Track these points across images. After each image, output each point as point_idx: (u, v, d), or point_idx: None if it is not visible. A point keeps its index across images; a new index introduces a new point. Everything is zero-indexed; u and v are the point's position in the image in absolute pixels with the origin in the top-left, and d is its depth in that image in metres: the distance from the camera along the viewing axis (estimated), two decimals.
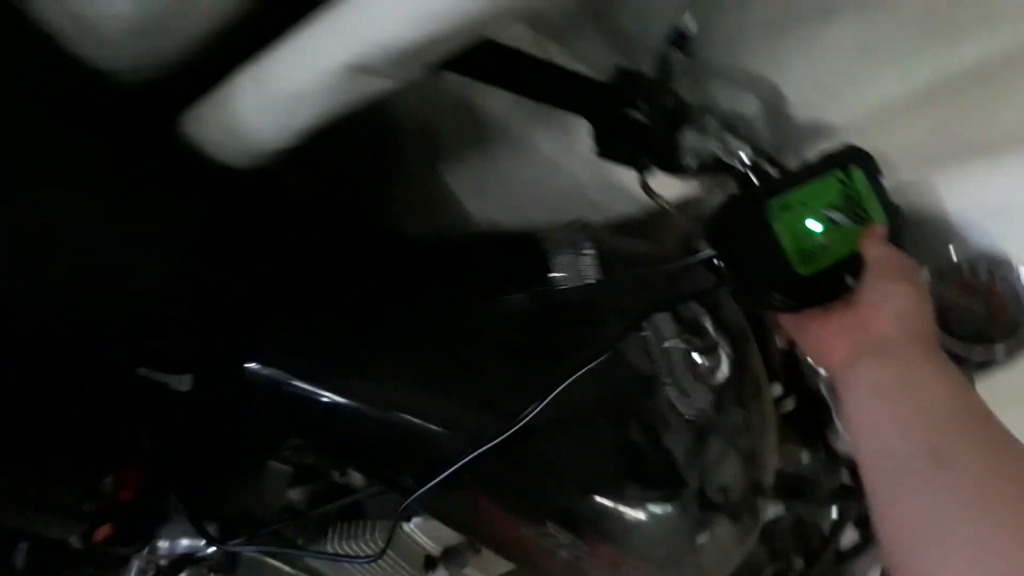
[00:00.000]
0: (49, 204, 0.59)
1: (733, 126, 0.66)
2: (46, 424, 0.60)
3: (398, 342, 0.67)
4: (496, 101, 0.86)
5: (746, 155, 0.64)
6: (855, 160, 0.60)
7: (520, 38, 0.69)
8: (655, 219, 0.87)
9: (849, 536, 0.91)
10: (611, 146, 0.65)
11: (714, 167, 0.65)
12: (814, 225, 0.57)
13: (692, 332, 0.66)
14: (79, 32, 0.61)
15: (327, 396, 0.64)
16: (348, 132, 0.95)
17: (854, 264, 0.56)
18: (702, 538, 0.62)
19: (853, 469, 0.80)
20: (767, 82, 0.68)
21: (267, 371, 0.64)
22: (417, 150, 0.98)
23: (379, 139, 0.99)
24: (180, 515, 0.78)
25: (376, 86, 0.52)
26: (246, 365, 0.64)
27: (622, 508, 0.60)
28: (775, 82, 0.68)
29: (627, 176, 0.69)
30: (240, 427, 0.68)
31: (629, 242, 0.75)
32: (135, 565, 0.79)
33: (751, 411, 0.66)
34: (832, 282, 0.57)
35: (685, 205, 0.81)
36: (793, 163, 0.70)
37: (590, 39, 0.74)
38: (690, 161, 0.64)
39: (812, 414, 0.75)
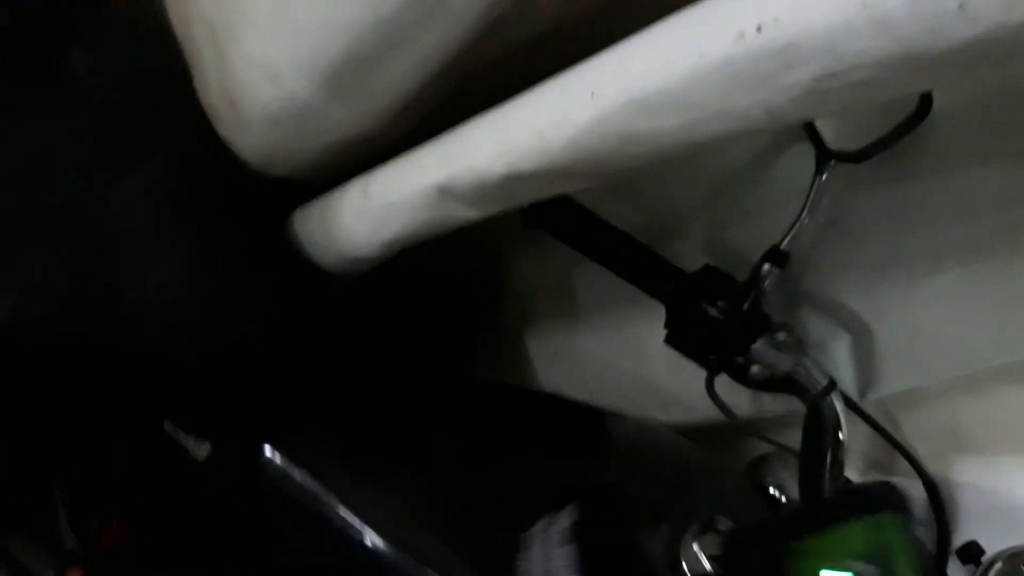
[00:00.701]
0: (162, 253, 0.63)
1: (810, 352, 0.63)
2: (61, 448, 0.61)
3: (422, 475, 0.66)
4: (594, 278, 0.88)
5: (819, 379, 0.61)
6: (888, 504, 0.53)
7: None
8: (723, 435, 0.83)
9: None
10: (681, 336, 0.64)
11: (781, 384, 0.62)
12: None
13: None
14: (230, 115, 0.67)
15: (331, 504, 0.62)
16: (459, 276, 1.00)
17: None
18: None
19: None
20: (859, 319, 0.66)
21: (282, 458, 0.64)
22: (511, 308, 1.00)
23: (482, 290, 1.02)
24: None
25: (459, 212, 0.54)
26: (263, 444, 0.64)
27: None
28: (868, 322, 0.66)
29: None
30: (240, 513, 0.66)
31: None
32: None
33: None
34: None
35: (755, 423, 0.77)
36: (869, 404, 0.67)
37: (689, 240, 0.76)
38: (757, 372, 0.62)
39: None
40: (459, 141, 0.51)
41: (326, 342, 0.75)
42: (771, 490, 0.76)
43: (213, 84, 0.67)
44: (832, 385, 0.61)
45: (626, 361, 0.86)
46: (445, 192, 0.52)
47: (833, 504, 0.55)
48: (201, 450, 0.66)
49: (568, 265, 0.91)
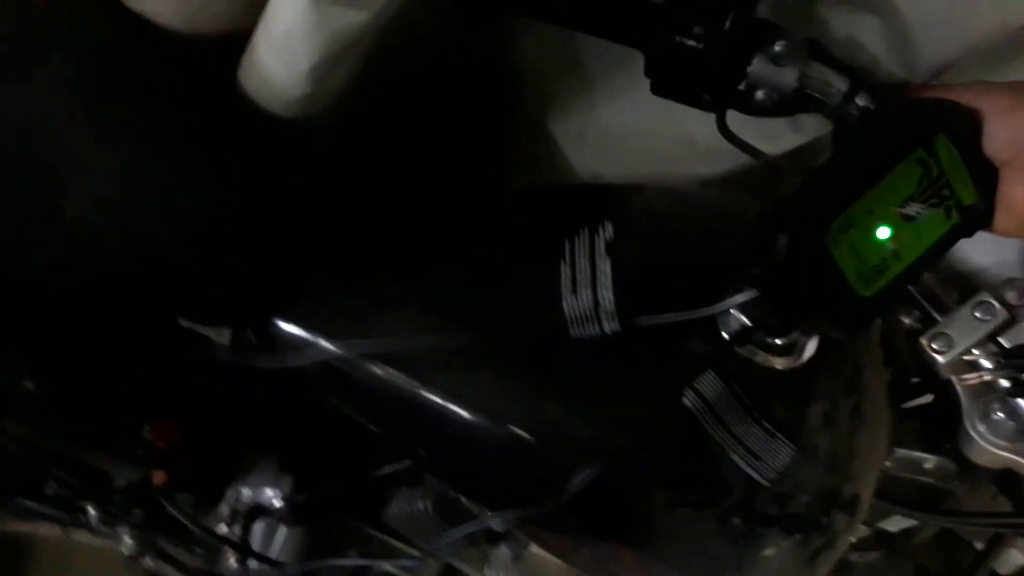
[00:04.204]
0: (96, 155, 0.59)
1: (825, 51, 0.53)
2: (91, 369, 0.62)
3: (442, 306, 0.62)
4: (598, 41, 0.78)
5: (838, 86, 0.51)
6: (942, 124, 0.46)
7: None
8: (772, 173, 0.74)
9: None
10: (664, 80, 0.55)
11: (796, 104, 0.53)
12: (883, 232, 0.46)
13: None
14: None
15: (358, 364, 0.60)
16: (462, 83, 0.91)
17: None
18: (748, 555, 0.51)
19: (1001, 483, 0.64)
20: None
21: (295, 328, 0.62)
22: (529, 101, 0.91)
23: (495, 91, 0.94)
24: (264, 467, 0.80)
25: (351, 17, 0.47)
26: (275, 320, 0.62)
27: (646, 512, 0.51)
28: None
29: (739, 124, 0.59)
30: (272, 387, 0.66)
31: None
32: (223, 510, 0.81)
33: (839, 407, 0.54)
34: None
35: (798, 153, 0.68)
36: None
37: None
38: (763, 96, 0.52)
39: (939, 413, 0.60)
40: None
41: (323, 190, 0.71)
42: None
43: None
44: (856, 87, 0.51)
45: (653, 121, 0.76)
46: (319, 2, 0.45)
47: (876, 146, 0.47)
48: (223, 335, 0.65)
49: (570, 37, 0.81)
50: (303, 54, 0.52)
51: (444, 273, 0.65)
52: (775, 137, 0.65)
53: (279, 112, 0.63)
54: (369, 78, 0.66)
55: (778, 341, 0.53)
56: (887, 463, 0.61)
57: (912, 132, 0.46)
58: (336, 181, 0.71)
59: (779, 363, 0.52)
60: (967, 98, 0.47)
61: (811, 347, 0.54)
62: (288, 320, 0.62)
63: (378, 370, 0.60)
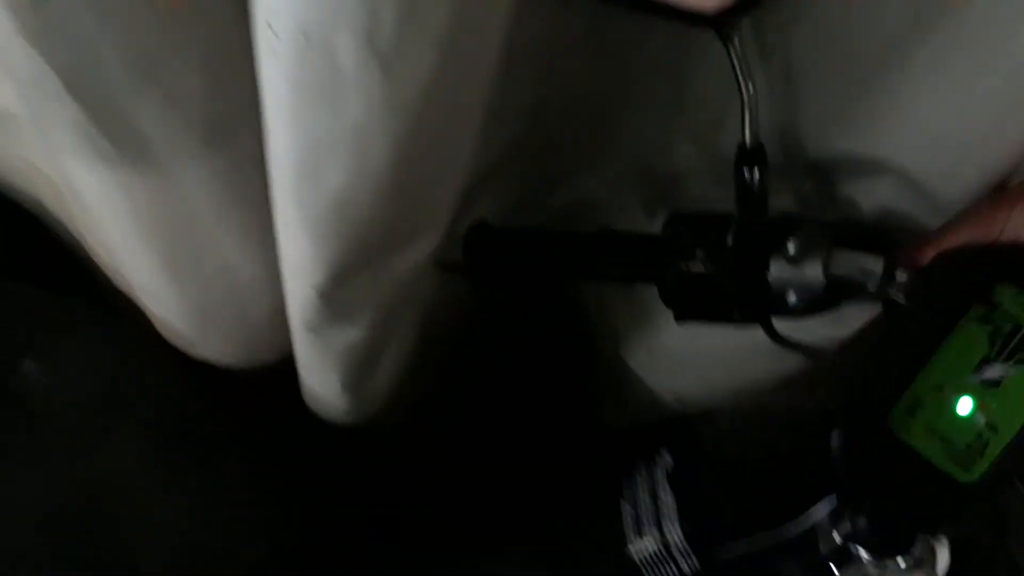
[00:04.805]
0: None
1: (848, 233, 0.49)
2: None
3: None
4: None
5: (870, 266, 0.47)
6: (996, 273, 0.41)
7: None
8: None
9: None
10: (686, 307, 0.52)
11: (835, 295, 0.49)
12: (964, 405, 0.40)
13: None
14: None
15: None
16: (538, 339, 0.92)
17: None
18: None
19: None
20: (879, 163, 0.51)
21: None
22: (604, 340, 0.90)
23: (572, 335, 0.94)
24: None
25: (346, 338, 0.48)
26: None
27: None
28: (889, 159, 0.51)
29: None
30: None
31: None
32: None
33: None
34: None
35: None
36: None
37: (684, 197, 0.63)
38: (796, 300, 0.49)
39: None
40: None
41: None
42: None
43: None
44: (891, 265, 0.46)
45: (710, 334, 0.73)
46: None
47: (913, 326, 0.42)
48: None
49: None
50: (332, 372, 0.53)
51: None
52: (841, 320, 0.61)
53: (339, 421, 0.64)
54: (425, 367, 0.67)
55: (900, 562, 0.45)
56: None
57: (958, 291, 0.41)
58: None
59: None
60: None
61: (944, 556, 0.46)
62: None
63: None
